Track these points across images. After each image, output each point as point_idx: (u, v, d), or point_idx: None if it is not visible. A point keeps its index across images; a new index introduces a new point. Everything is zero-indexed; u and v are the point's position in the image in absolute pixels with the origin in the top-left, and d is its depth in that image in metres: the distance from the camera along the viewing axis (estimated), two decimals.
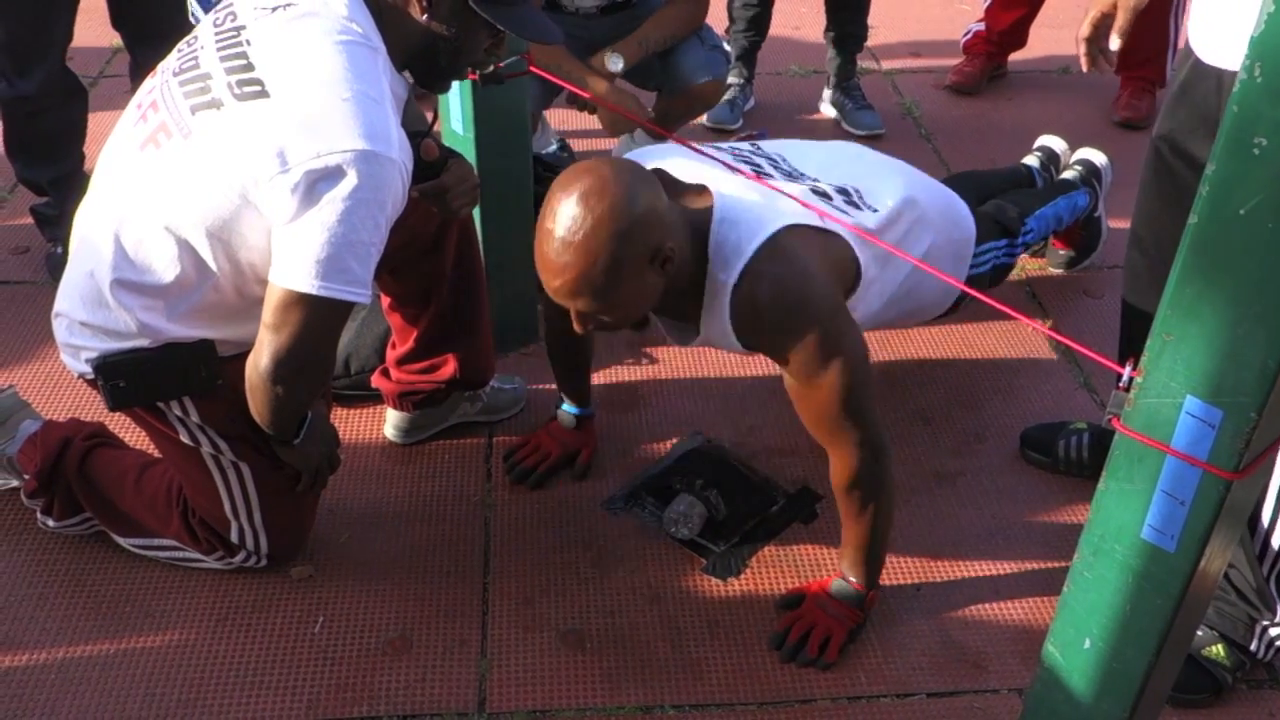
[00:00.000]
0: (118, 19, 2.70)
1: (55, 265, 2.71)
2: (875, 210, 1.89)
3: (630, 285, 1.54)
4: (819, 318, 1.65)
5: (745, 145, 2.00)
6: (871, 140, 3.41)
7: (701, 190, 1.70)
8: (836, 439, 1.73)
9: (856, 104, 3.46)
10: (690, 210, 1.67)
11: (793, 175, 1.89)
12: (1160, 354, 1.14)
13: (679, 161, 1.79)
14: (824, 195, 1.83)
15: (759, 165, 1.88)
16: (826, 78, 3.54)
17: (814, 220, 1.73)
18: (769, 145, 1.99)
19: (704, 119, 3.21)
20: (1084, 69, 1.98)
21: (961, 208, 2.19)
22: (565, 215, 1.49)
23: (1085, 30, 1.94)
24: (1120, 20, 1.87)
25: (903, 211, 1.95)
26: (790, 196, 1.77)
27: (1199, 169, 1.80)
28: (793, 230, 1.68)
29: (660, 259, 1.56)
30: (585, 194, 1.48)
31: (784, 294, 1.65)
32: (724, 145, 1.95)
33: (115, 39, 3.87)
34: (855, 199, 1.88)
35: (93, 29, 3.98)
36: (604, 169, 1.52)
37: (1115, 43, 1.90)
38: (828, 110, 3.55)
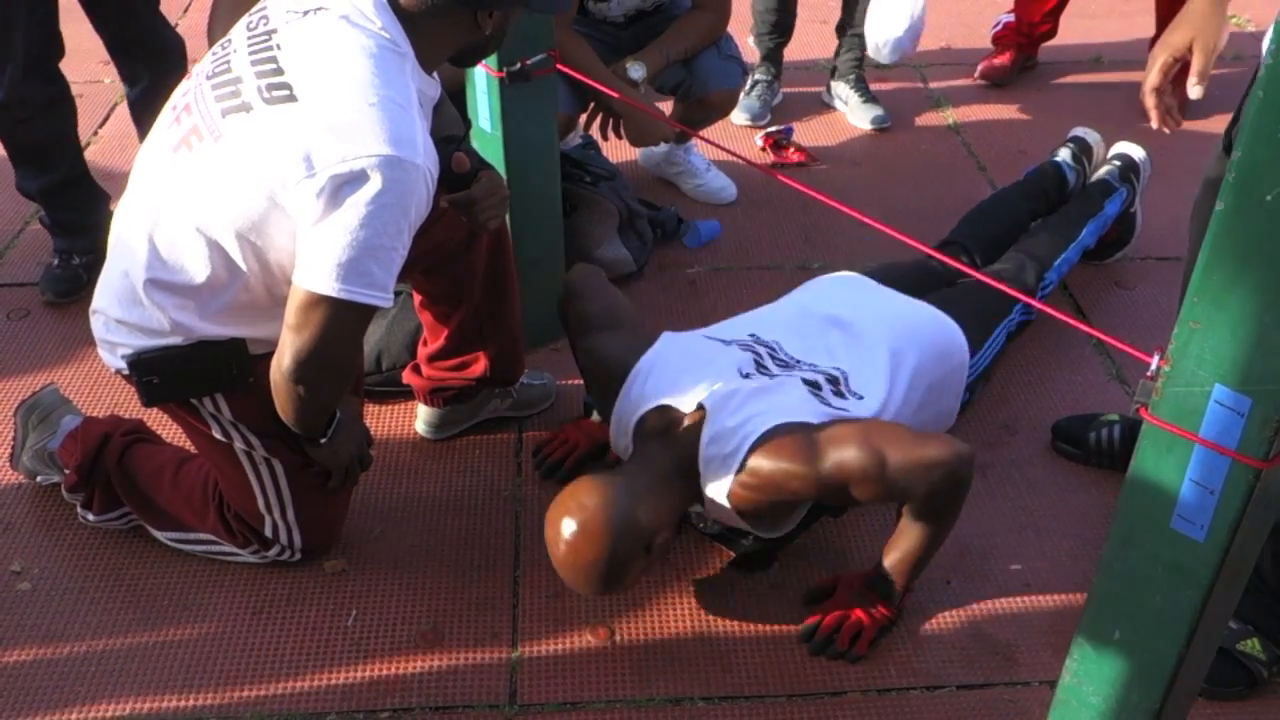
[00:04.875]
0: (97, 26, 2.66)
1: (49, 280, 2.64)
2: (861, 398, 1.93)
3: (631, 575, 1.74)
4: (805, 468, 1.73)
5: (744, 332, 2.04)
6: (879, 133, 3.40)
7: (697, 411, 1.81)
8: (907, 487, 1.73)
9: (864, 97, 3.46)
10: (680, 440, 1.81)
11: (788, 365, 1.95)
12: (1188, 342, 1.13)
13: (683, 382, 1.85)
14: (814, 385, 1.90)
15: (760, 357, 1.95)
16: (831, 70, 3.54)
17: (796, 417, 1.79)
18: (766, 331, 2.04)
19: (733, 116, 3.21)
20: (1153, 124, 1.71)
21: (951, 335, 2.15)
22: (564, 552, 1.70)
23: (1154, 79, 1.65)
24: (1199, 63, 1.58)
25: (891, 388, 1.97)
26: (781, 392, 1.85)
27: None
28: (772, 433, 1.76)
29: (654, 546, 1.75)
30: (575, 535, 1.68)
31: (769, 486, 1.75)
32: (731, 339, 2.00)
33: None
34: (842, 386, 1.94)
35: None
36: (586, 505, 1.68)
37: (1196, 92, 1.58)
38: (832, 103, 3.54)
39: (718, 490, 1.78)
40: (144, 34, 2.64)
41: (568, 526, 1.69)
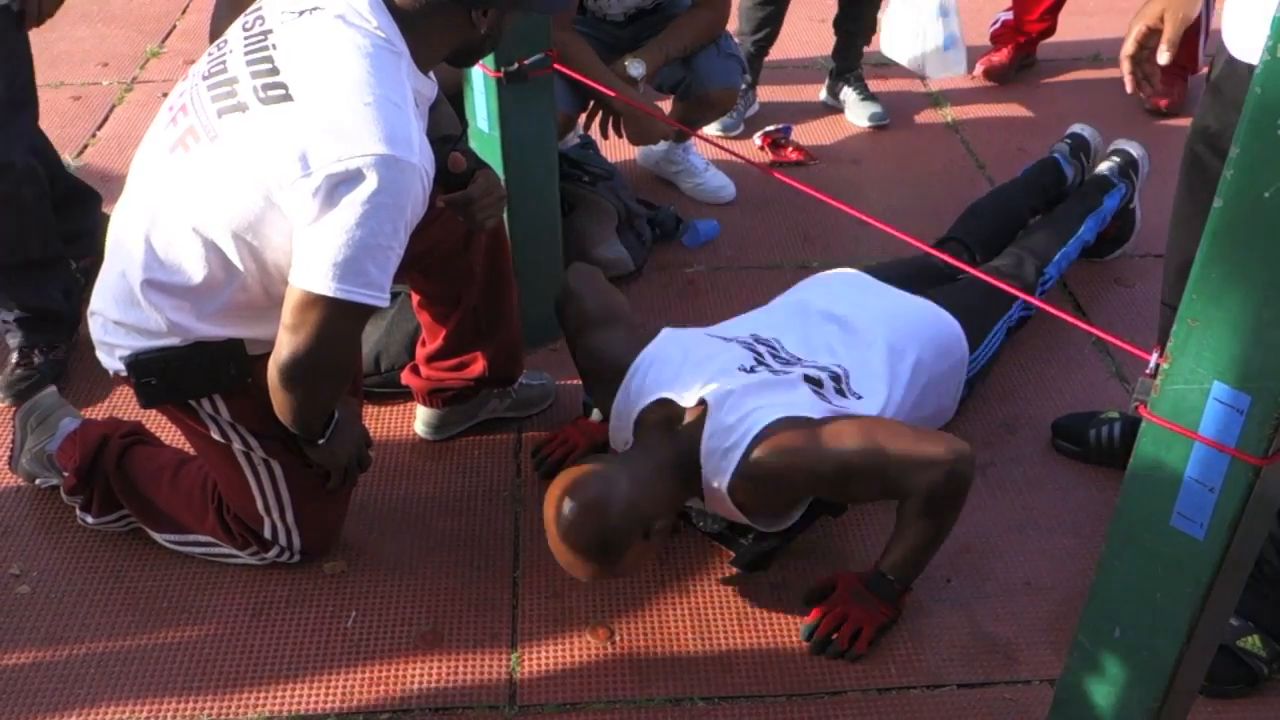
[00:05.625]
0: None
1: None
2: (861, 397, 1.94)
3: (629, 559, 1.73)
4: (806, 463, 1.74)
5: (745, 331, 2.05)
6: (878, 130, 3.39)
7: (698, 406, 1.82)
8: (903, 485, 1.74)
9: (862, 95, 3.45)
10: (683, 435, 1.82)
11: (789, 362, 1.96)
12: (1186, 340, 1.13)
13: (685, 376, 1.85)
14: (816, 382, 1.91)
15: (760, 354, 1.95)
16: (829, 68, 3.53)
17: (799, 411, 1.80)
18: (766, 329, 2.05)
19: (706, 127, 3.18)
20: (1128, 90, 1.83)
21: (950, 331, 2.16)
22: (562, 533, 1.69)
23: (1129, 48, 1.78)
24: (1169, 31, 1.71)
25: (891, 387, 1.99)
26: (783, 389, 1.86)
27: None
28: (773, 427, 1.76)
29: (653, 533, 1.74)
30: (574, 517, 1.68)
31: (770, 480, 1.77)
32: (731, 336, 2.00)
33: (149, 45, 3.94)
34: (844, 384, 1.95)
35: (126, 37, 4.05)
36: (586, 487, 1.69)
37: (1164, 57, 1.73)
38: (830, 101, 3.53)
39: (718, 484, 1.78)
40: None
41: (567, 503, 1.68)
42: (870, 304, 2.15)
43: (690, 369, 1.87)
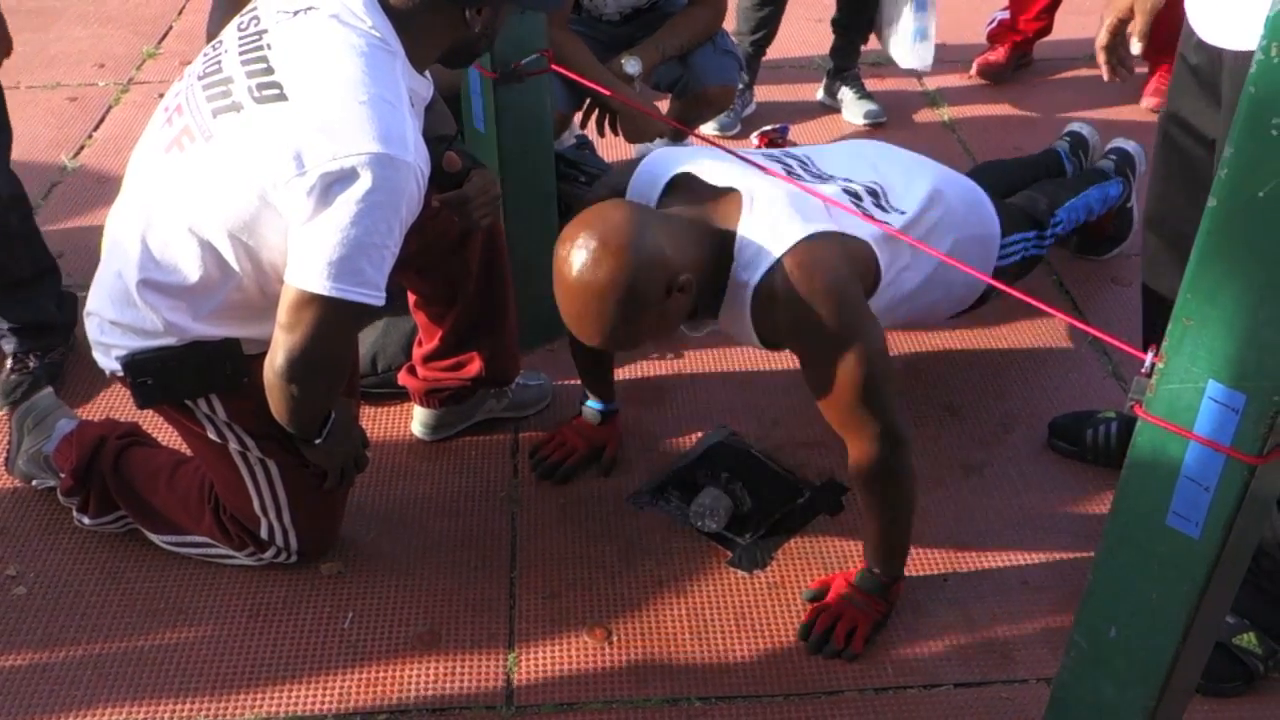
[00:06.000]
0: None
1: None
2: (902, 212, 1.90)
3: (649, 322, 1.60)
4: (837, 309, 1.67)
5: (775, 150, 2.01)
6: (874, 129, 3.40)
7: (730, 193, 1.73)
8: (853, 430, 1.73)
9: (858, 94, 3.46)
10: (714, 216, 1.70)
11: (821, 177, 1.90)
12: (1181, 339, 1.13)
13: (710, 164, 1.79)
14: (854, 195, 1.85)
15: (789, 165, 1.89)
16: (826, 68, 3.53)
17: (837, 225, 1.73)
18: (797, 149, 2.00)
19: (702, 127, 3.18)
20: (1105, 78, 1.92)
21: (987, 203, 2.18)
22: (576, 270, 1.55)
23: (1103, 38, 1.87)
24: (1139, 23, 1.82)
25: (927, 211, 1.96)
26: (819, 195, 1.78)
27: (1208, 145, 1.79)
28: (816, 238, 1.70)
29: (677, 289, 1.61)
30: (593, 249, 1.55)
31: (802, 286, 1.67)
32: (753, 150, 1.96)
33: (146, 46, 3.94)
34: (882, 200, 1.89)
35: (122, 38, 4.05)
36: (608, 219, 1.57)
37: (1136, 47, 1.84)
38: (827, 100, 3.53)
39: (748, 278, 1.66)
40: None
41: (586, 240, 1.52)
42: (914, 160, 2.13)
43: (712, 158, 1.77)
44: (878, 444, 1.71)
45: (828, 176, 1.90)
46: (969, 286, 2.14)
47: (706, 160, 1.81)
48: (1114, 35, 1.85)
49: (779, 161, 1.88)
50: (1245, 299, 1.07)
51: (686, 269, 1.62)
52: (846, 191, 1.83)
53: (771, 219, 1.68)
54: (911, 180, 2.00)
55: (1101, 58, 1.89)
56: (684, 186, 1.78)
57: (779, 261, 1.66)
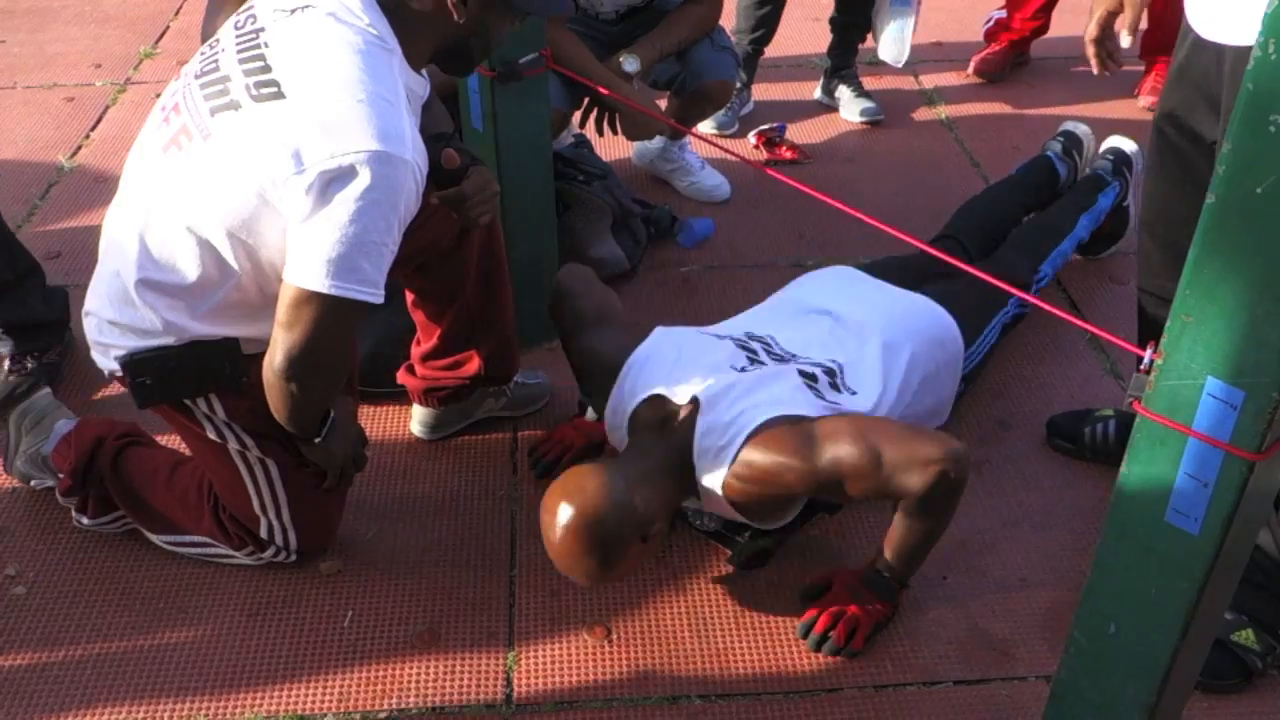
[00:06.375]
0: None
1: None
2: (855, 393, 1.94)
3: (627, 563, 1.74)
4: (800, 462, 1.73)
5: (740, 329, 2.05)
6: (871, 127, 3.40)
7: (691, 404, 1.83)
8: (898, 483, 1.72)
9: (856, 92, 3.46)
10: (675, 437, 1.82)
11: (783, 358, 1.96)
12: (1180, 336, 1.13)
13: (677, 374, 1.86)
14: (810, 378, 1.91)
15: (754, 351, 1.95)
16: (824, 66, 3.53)
17: (792, 409, 1.80)
18: (759, 327, 2.06)
19: (701, 125, 3.19)
20: (1094, 72, 1.92)
21: (945, 326, 2.16)
22: (559, 538, 1.69)
23: (1092, 31, 1.87)
24: (1128, 16, 1.81)
25: (885, 383, 1.98)
26: (778, 383, 1.85)
27: (1205, 146, 1.79)
28: (763, 427, 1.76)
29: (650, 536, 1.75)
30: (571, 520, 1.67)
31: (762, 480, 1.76)
32: (724, 335, 2.01)
33: (143, 46, 3.94)
34: (838, 379, 1.95)
35: (119, 38, 4.05)
36: (585, 489, 1.69)
37: (1126, 40, 1.83)
38: (825, 99, 3.54)
39: (712, 482, 1.78)
40: None
41: (564, 511, 1.68)
42: (865, 300, 2.15)
43: (683, 366, 1.87)
44: (920, 478, 1.70)
45: (789, 356, 1.97)
46: (942, 402, 2.17)
47: (675, 372, 1.87)
48: (1103, 28, 1.86)
49: (745, 348, 1.95)
50: (1244, 295, 1.07)
51: (656, 517, 1.75)
52: (802, 373, 1.90)
53: (723, 423, 1.78)
54: (864, 347, 2.02)
55: (1090, 50, 1.90)
56: (653, 402, 1.87)
57: (732, 467, 1.76)
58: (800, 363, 1.95)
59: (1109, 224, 2.74)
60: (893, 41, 3.28)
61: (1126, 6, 1.80)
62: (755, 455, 1.74)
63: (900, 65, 3.38)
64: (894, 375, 2.00)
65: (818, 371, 1.93)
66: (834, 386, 1.92)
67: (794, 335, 2.03)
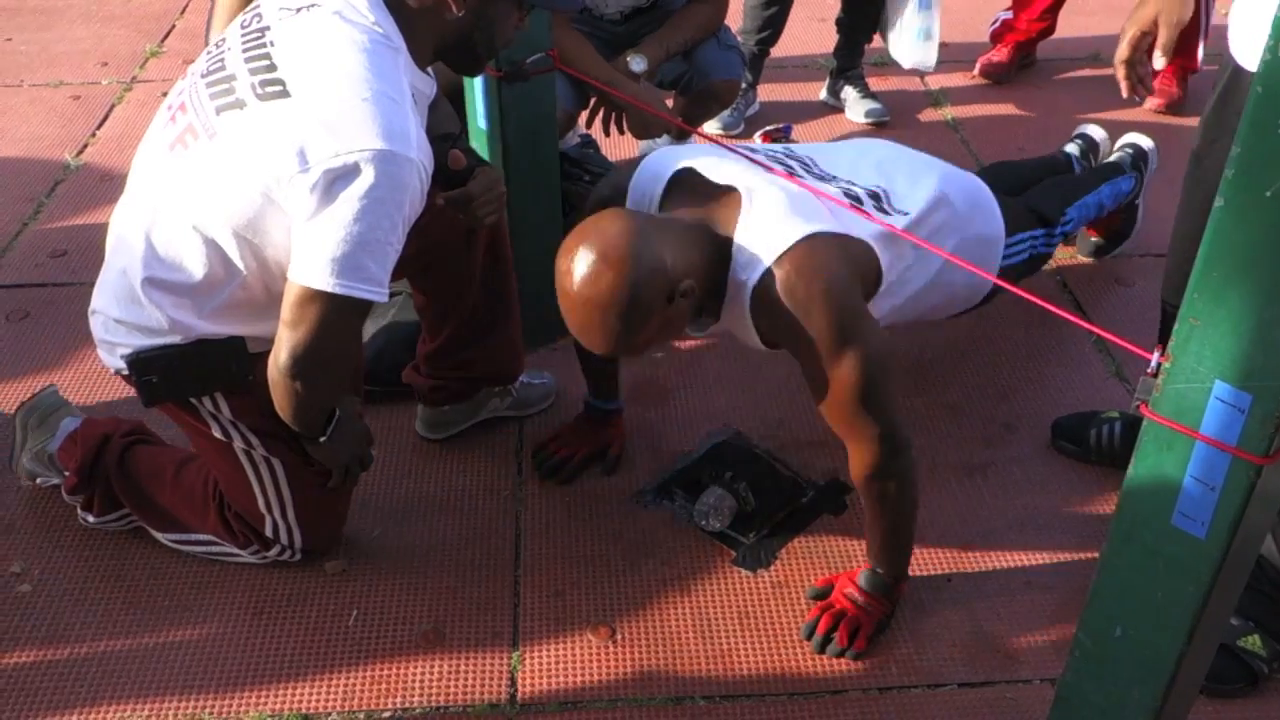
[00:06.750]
0: None
1: None
2: (905, 214, 1.89)
3: (653, 329, 1.60)
4: (836, 309, 1.65)
5: (778, 147, 2.00)
6: (877, 129, 3.40)
7: (729, 191, 1.72)
8: (854, 432, 1.71)
9: (862, 93, 3.46)
10: (713, 216, 1.70)
11: (824, 178, 1.89)
12: (1188, 339, 1.13)
13: (712, 161, 1.79)
14: (855, 198, 1.84)
15: (791, 167, 1.88)
16: (830, 67, 3.53)
17: (838, 226, 1.72)
18: (800, 148, 1.99)
19: (705, 125, 3.18)
20: (1123, 94, 1.82)
21: (992, 203, 2.16)
22: (578, 284, 1.56)
23: (1123, 52, 1.77)
24: (1164, 36, 1.71)
25: (931, 213, 1.94)
26: (821, 195, 1.77)
27: None
28: (814, 238, 1.69)
29: (679, 295, 1.61)
30: (593, 262, 1.55)
31: (798, 289, 1.65)
32: (757, 147, 1.95)
33: (149, 44, 3.95)
34: (884, 203, 1.88)
35: (125, 36, 4.05)
36: (606, 230, 1.57)
37: (1160, 61, 1.72)
38: (831, 100, 3.53)
39: (748, 277, 1.66)
40: None
41: (584, 255, 1.54)
42: (918, 160, 2.11)
43: (714, 155, 1.76)
44: (877, 446, 1.70)
45: (830, 177, 1.89)
46: (972, 288, 2.12)
47: (709, 157, 1.80)
48: (1135, 49, 1.76)
49: (782, 161, 1.88)
50: (1252, 299, 1.07)
51: (688, 275, 1.62)
52: (848, 194, 1.82)
53: (769, 219, 1.67)
54: (915, 182, 1.99)
55: (1120, 72, 1.79)
56: (685, 184, 1.78)
57: (776, 263, 1.66)
58: (842, 184, 1.85)
59: (1119, 220, 2.73)
60: (918, 47, 3.26)
61: (1161, 26, 1.71)
62: (792, 272, 1.62)
63: (932, 69, 3.35)
64: (939, 211, 1.94)
65: (862, 194, 1.83)
66: (880, 209, 1.83)
67: (837, 160, 1.94)
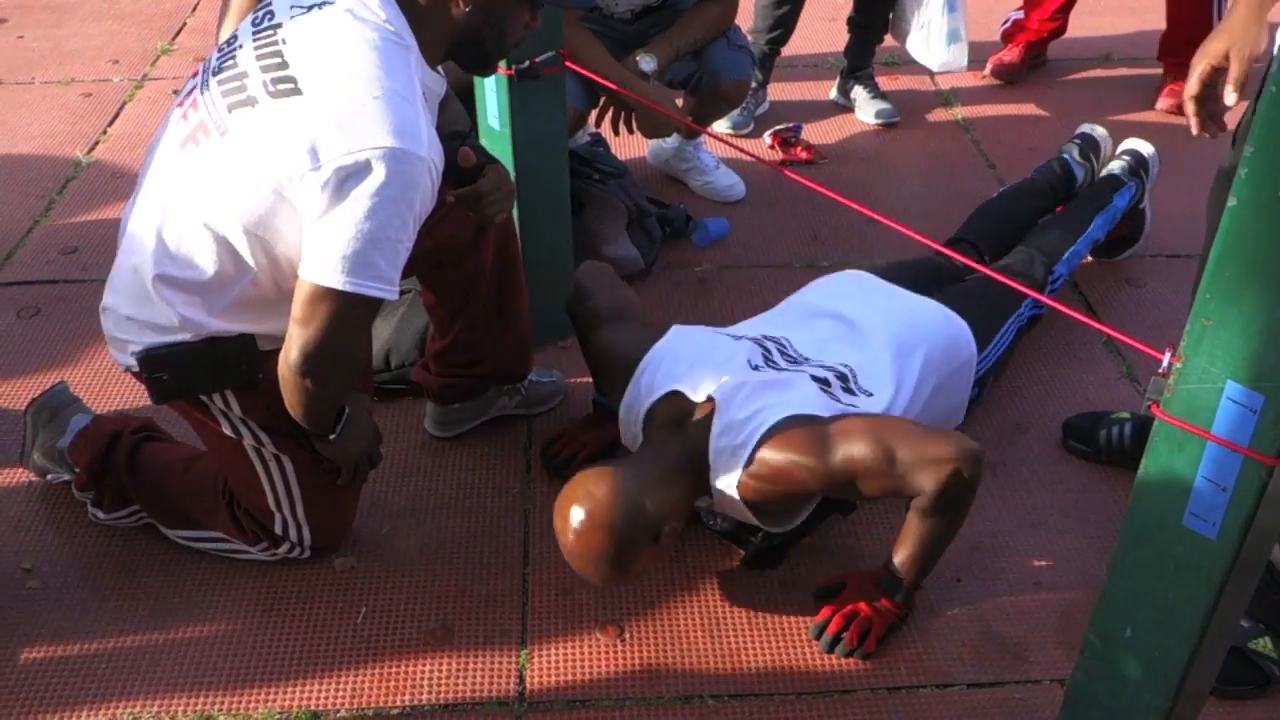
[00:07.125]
0: None
1: None
2: (870, 394, 1.94)
3: (641, 565, 1.75)
4: (815, 462, 1.73)
5: (757, 331, 2.05)
6: (887, 128, 3.40)
7: (707, 402, 1.83)
8: (909, 483, 1.72)
9: (872, 93, 3.45)
10: (691, 436, 1.82)
11: (796, 361, 1.97)
12: (1200, 339, 1.13)
13: (696, 371, 1.86)
14: (823, 382, 1.91)
15: (769, 352, 1.96)
16: (840, 67, 3.52)
17: (804, 409, 1.80)
18: (774, 329, 2.06)
19: (716, 124, 3.18)
20: (1193, 132, 1.70)
21: (957, 331, 2.15)
22: (573, 542, 1.70)
23: (1193, 88, 1.66)
24: (1236, 71, 1.60)
25: (899, 386, 1.98)
26: (789, 386, 1.86)
27: None
28: (781, 424, 1.76)
29: (664, 536, 1.75)
30: (583, 524, 1.68)
31: (778, 478, 1.76)
32: (741, 332, 2.03)
33: (160, 42, 3.96)
34: (851, 384, 1.95)
35: (136, 34, 4.07)
36: (595, 494, 1.69)
37: (1232, 98, 1.62)
38: (841, 100, 3.53)
39: (727, 482, 1.78)
40: None
41: (576, 514, 1.69)
42: (878, 304, 2.15)
43: (700, 365, 1.88)
44: (933, 476, 1.70)
45: (803, 359, 1.98)
46: (954, 407, 2.17)
47: (693, 374, 1.87)
48: (1206, 85, 1.64)
49: (761, 347, 1.96)
50: (1265, 299, 1.06)
51: (671, 517, 1.76)
52: (815, 379, 1.90)
53: (739, 422, 1.78)
54: (878, 353, 2.01)
55: (1190, 109, 1.68)
56: (669, 400, 1.87)
57: (749, 460, 1.76)
58: (813, 366, 1.95)
59: (1125, 226, 2.72)
60: (948, 50, 3.23)
61: (1233, 60, 1.60)
62: (771, 454, 1.75)
63: (964, 69, 3.33)
64: (907, 379, 2.00)
65: (830, 376, 1.93)
66: (847, 390, 1.93)
67: (807, 338, 2.04)
